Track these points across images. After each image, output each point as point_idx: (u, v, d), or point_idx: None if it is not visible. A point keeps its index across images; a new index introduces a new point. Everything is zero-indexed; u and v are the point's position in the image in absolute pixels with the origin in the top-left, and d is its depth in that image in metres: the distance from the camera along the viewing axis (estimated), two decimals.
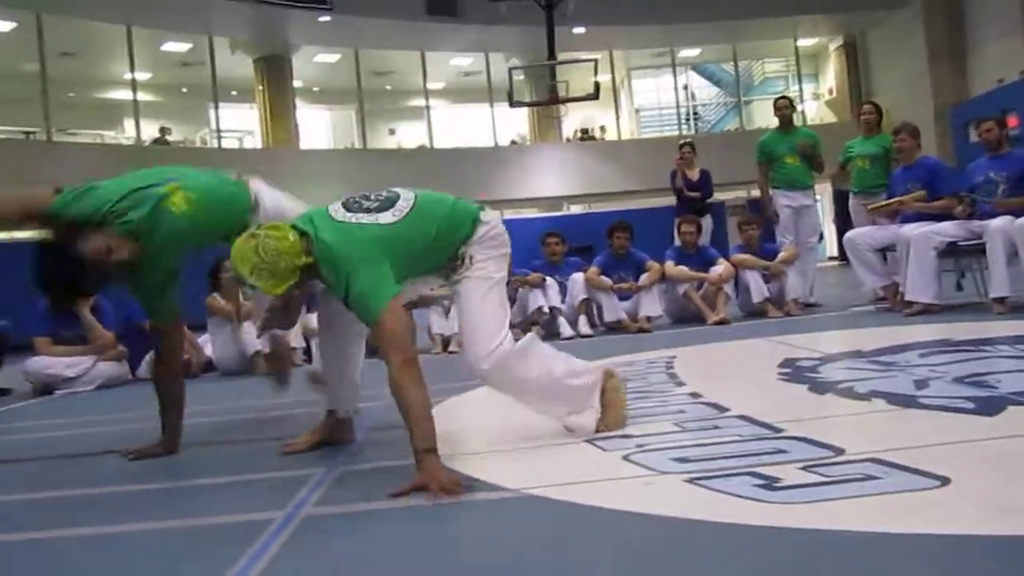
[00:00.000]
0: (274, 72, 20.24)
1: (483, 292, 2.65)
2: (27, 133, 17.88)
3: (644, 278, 6.73)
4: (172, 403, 3.07)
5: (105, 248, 2.68)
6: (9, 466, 2.98)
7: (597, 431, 2.67)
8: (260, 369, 5.86)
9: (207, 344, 6.37)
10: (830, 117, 22.84)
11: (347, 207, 2.58)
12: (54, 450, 3.40)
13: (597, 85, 16.69)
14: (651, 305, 6.68)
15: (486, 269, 2.65)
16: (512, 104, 17.23)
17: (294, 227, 2.49)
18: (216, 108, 20.13)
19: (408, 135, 23.41)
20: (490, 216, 2.72)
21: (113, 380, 5.82)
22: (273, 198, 3.13)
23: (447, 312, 6.37)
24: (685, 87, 24.05)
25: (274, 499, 2.18)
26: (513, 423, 3.08)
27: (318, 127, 23.24)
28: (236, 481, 2.56)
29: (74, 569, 1.84)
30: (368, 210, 2.55)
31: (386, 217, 2.53)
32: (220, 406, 4.37)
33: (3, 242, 10.48)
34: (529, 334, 2.84)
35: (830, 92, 23.65)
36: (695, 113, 24.25)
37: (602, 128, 23.68)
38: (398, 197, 2.62)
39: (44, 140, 17.32)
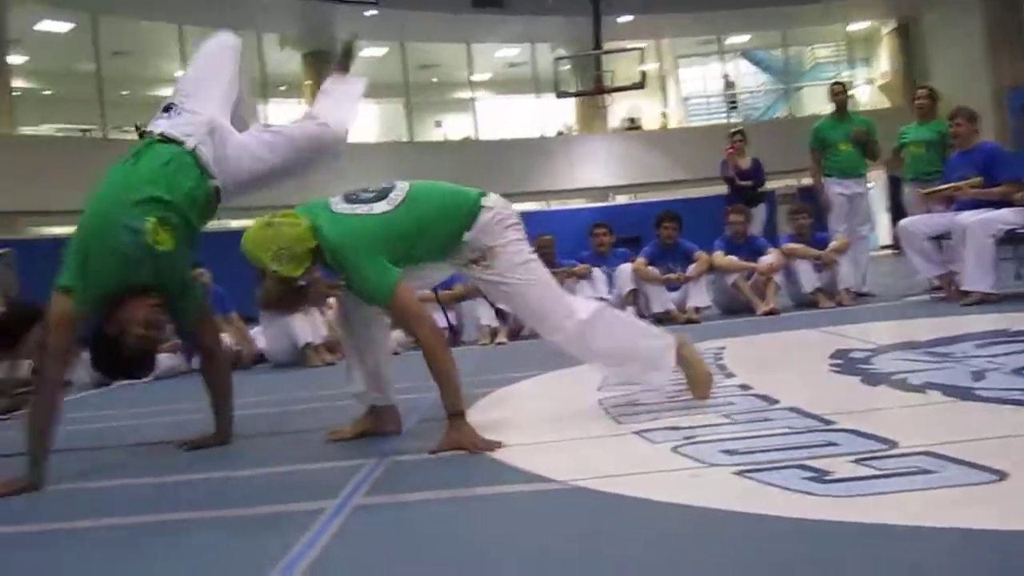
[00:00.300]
0: (322, 67, 20.41)
1: (527, 277, 2.79)
2: (84, 131, 18.34)
3: (692, 268, 6.68)
4: (221, 396, 3.13)
5: (143, 332, 2.68)
6: (67, 455, 3.07)
7: (700, 396, 2.91)
8: (311, 360, 5.96)
9: (259, 336, 6.49)
10: (883, 102, 22.35)
11: (347, 199, 2.75)
12: (111, 440, 3.49)
13: (643, 74, 16.60)
14: (699, 295, 6.64)
15: (516, 255, 2.78)
16: (558, 95, 17.22)
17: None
18: (265, 104, 20.40)
19: (454, 127, 23.48)
20: (493, 201, 2.83)
21: (169, 371, 5.95)
22: (233, 173, 2.94)
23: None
24: (725, 76, 23.70)
25: (325, 489, 2.21)
26: (561, 415, 3.09)
27: (365, 120, 23.41)
28: (288, 471, 2.60)
29: (128, 557, 1.89)
30: (365, 201, 2.72)
31: (380, 206, 2.70)
32: (272, 397, 4.45)
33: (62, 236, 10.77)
34: (599, 303, 3.01)
35: (883, 77, 23.15)
36: (734, 101, 23.84)
37: (664, 115, 23.45)
38: (393, 187, 2.79)
39: (100, 137, 17.73)
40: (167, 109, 2.93)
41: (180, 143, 2.83)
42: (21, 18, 16.82)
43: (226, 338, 6.27)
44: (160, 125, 2.89)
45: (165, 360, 5.98)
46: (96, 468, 2.93)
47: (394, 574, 1.60)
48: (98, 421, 4.16)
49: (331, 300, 6.47)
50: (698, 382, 2.98)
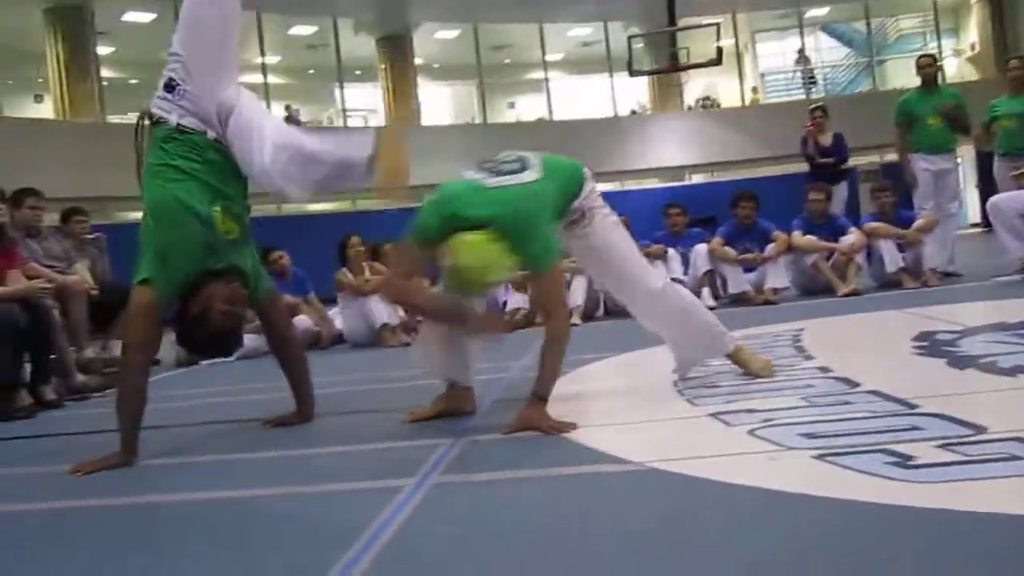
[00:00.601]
0: (396, 51, 20.63)
1: (621, 236, 3.00)
2: None
3: (770, 248, 6.55)
4: (297, 376, 3.20)
5: (228, 308, 2.72)
6: (156, 432, 3.18)
7: (756, 376, 3.06)
8: (387, 341, 6.06)
9: (337, 317, 6.62)
10: (972, 74, 21.46)
11: (493, 172, 2.73)
12: (197, 418, 3.61)
13: (719, 50, 16.22)
14: (777, 276, 6.51)
15: (608, 216, 2.96)
16: (632, 73, 16.94)
17: (454, 226, 2.58)
18: (341, 88, 20.71)
19: (527, 108, 23.46)
20: (588, 172, 2.99)
21: (253, 351, 6.11)
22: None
23: (568, 284, 6.41)
24: (800, 51, 23.01)
25: (403, 467, 2.25)
26: (636, 396, 3.08)
27: (439, 103, 23.57)
28: (367, 449, 2.65)
29: (214, 528, 1.96)
30: (511, 172, 2.74)
31: (531, 175, 2.73)
32: (350, 377, 4.54)
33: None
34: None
35: (972, 48, 22.21)
36: (811, 77, 23.13)
37: (754, 89, 22.99)
38: (527, 157, 2.82)
39: None
40: (169, 88, 2.85)
41: (203, 133, 2.82)
42: (108, 10, 17.40)
43: (306, 319, 6.42)
44: (168, 110, 2.83)
45: (248, 341, 6.13)
46: (184, 445, 3.04)
47: (472, 551, 1.63)
48: (185, 399, 4.30)
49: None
50: (756, 369, 3.13)
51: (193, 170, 2.77)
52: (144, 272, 2.69)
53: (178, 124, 2.81)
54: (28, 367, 4.36)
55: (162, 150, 2.80)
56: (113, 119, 17.61)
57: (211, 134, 2.83)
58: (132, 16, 18.04)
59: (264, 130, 2.82)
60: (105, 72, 18.39)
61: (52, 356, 4.47)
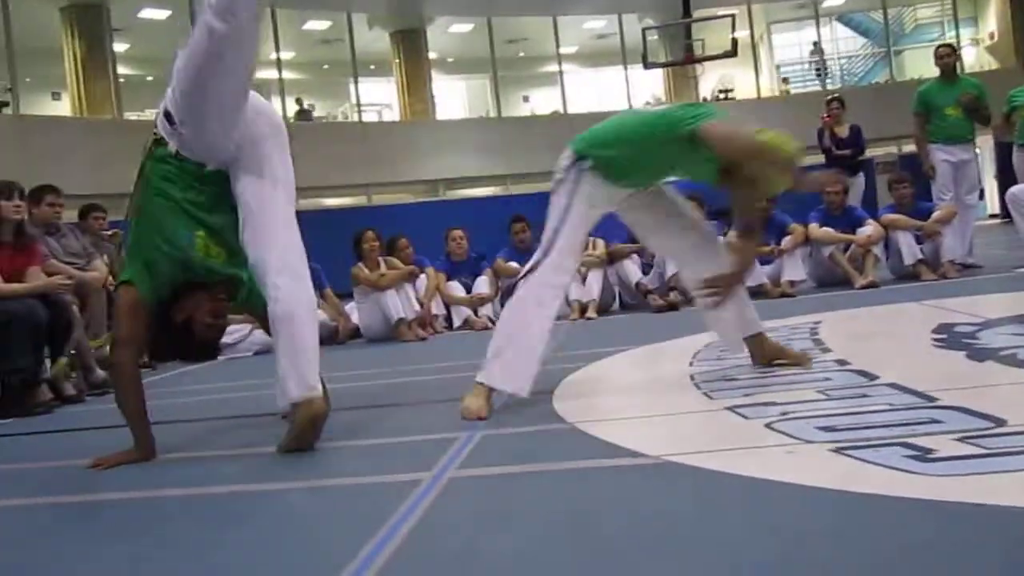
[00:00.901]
0: (410, 45, 20.64)
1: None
2: None
3: (787, 241, 6.52)
4: None
5: (211, 322, 2.75)
6: (173, 426, 3.21)
7: (797, 364, 3.12)
8: (403, 335, 6.08)
9: (353, 312, 6.64)
10: (991, 64, 21.24)
11: None
12: (214, 412, 3.63)
13: (735, 42, 16.13)
14: (794, 269, 6.48)
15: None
16: (646, 66, 16.88)
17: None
18: (356, 83, 20.73)
19: (542, 102, 23.41)
20: None
21: (267, 346, 6.14)
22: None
23: (584, 279, 6.42)
24: (815, 43, 22.84)
25: (420, 461, 2.26)
26: (652, 389, 3.08)
27: (453, 97, 23.56)
28: (384, 443, 2.67)
29: (235, 522, 1.97)
30: None
31: None
32: (367, 371, 4.56)
33: None
34: None
35: (991, 37, 21.98)
36: (824, 68, 22.95)
37: (784, 80, 22.89)
38: None
39: None
40: (168, 119, 2.74)
41: (201, 165, 2.76)
42: (124, 7, 17.49)
43: (322, 314, 6.45)
44: (169, 134, 2.75)
45: (261, 335, 6.16)
46: (201, 439, 3.06)
47: (490, 544, 1.63)
48: (201, 394, 4.34)
49: (423, 276, 6.58)
50: (797, 359, 3.16)
51: (182, 198, 2.73)
52: (127, 274, 2.73)
53: (177, 152, 2.75)
54: (48, 362, 4.40)
55: (157, 170, 2.77)
56: (130, 116, 17.72)
57: (211, 166, 2.76)
58: (148, 13, 18.13)
59: (275, 250, 2.68)
60: (121, 69, 18.50)
61: (72, 352, 4.51)
